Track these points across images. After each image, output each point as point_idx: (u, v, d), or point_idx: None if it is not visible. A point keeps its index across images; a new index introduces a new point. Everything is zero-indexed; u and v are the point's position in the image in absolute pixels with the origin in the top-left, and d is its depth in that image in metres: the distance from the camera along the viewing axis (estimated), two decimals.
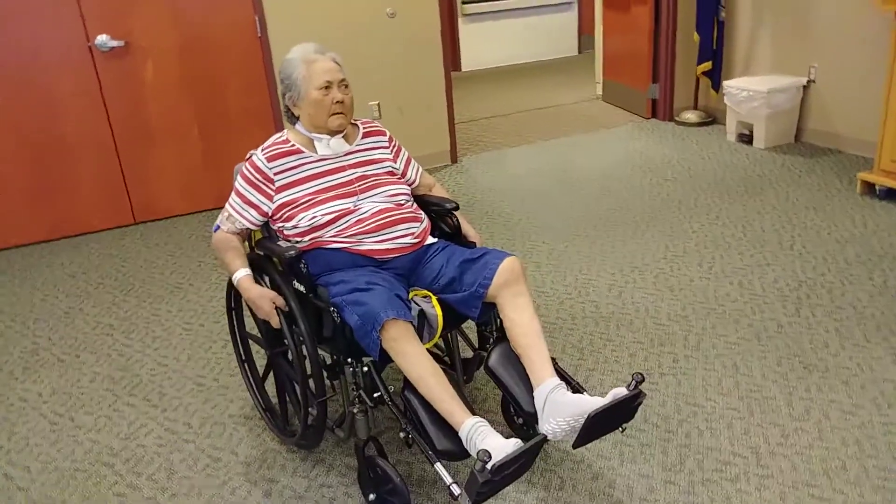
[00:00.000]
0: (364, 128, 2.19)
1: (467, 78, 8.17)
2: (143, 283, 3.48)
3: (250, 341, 2.37)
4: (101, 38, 3.88)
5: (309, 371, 1.88)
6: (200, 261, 3.68)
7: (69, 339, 3.00)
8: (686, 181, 4.21)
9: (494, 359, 1.86)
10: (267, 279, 2.06)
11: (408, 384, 1.75)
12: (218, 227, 2.07)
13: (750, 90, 4.52)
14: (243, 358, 2.39)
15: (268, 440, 2.27)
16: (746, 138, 4.79)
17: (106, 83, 3.98)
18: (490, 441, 1.59)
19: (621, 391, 1.62)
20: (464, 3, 8.30)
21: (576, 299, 2.97)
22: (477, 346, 2.21)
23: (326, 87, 2.02)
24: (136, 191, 4.23)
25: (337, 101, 2.02)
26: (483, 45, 8.61)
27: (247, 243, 2.17)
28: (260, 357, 2.50)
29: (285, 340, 1.97)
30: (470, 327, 2.41)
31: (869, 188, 3.74)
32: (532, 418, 1.75)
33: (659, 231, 3.55)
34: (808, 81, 4.53)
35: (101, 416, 2.46)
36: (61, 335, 3.04)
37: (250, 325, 2.34)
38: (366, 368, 1.85)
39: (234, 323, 2.33)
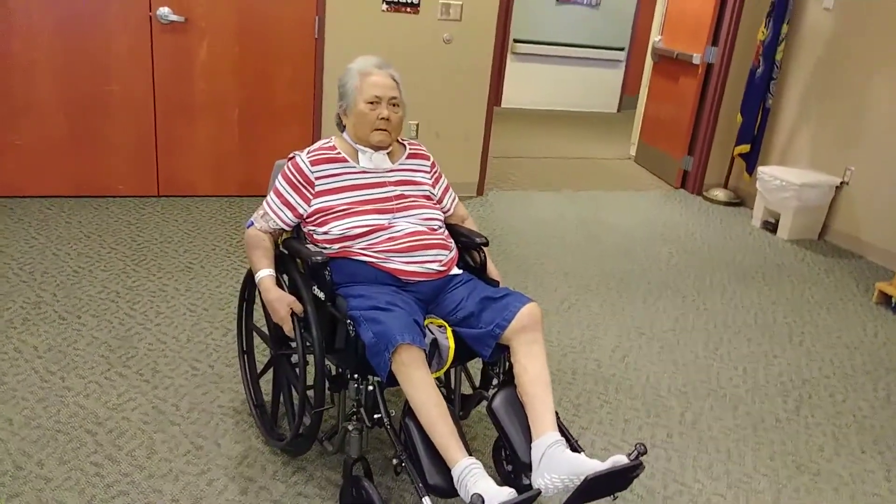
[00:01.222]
0: (410, 149, 2.21)
1: (505, 114, 8.22)
2: (155, 256, 3.48)
3: (255, 335, 2.36)
4: (163, 10, 3.93)
5: (312, 380, 1.87)
6: (216, 245, 3.69)
7: (73, 299, 3.00)
8: (705, 257, 4.21)
9: (498, 402, 1.84)
10: (286, 278, 2.07)
11: (409, 411, 1.74)
12: (251, 224, 2.07)
13: (783, 180, 4.54)
14: (244, 349, 2.38)
15: (252, 438, 2.25)
16: (771, 227, 4.80)
17: (158, 54, 4.03)
18: (483, 485, 1.58)
19: (622, 459, 1.60)
20: (515, 41, 8.39)
21: (579, 354, 2.96)
22: (478, 384, 2.20)
23: (374, 102, 2.03)
24: (166, 164, 4.25)
25: (382, 118, 2.03)
26: (526, 85, 8.69)
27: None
28: (260, 353, 2.50)
29: (292, 343, 1.97)
30: (473, 365, 2.40)
31: (885, 299, 3.73)
32: (525, 468, 1.74)
33: (671, 302, 3.55)
34: (842, 182, 4.55)
35: (91, 381, 2.45)
36: (66, 293, 3.04)
37: (257, 317, 2.35)
38: (371, 387, 1.83)
39: (244, 314, 2.33)
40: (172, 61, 4.07)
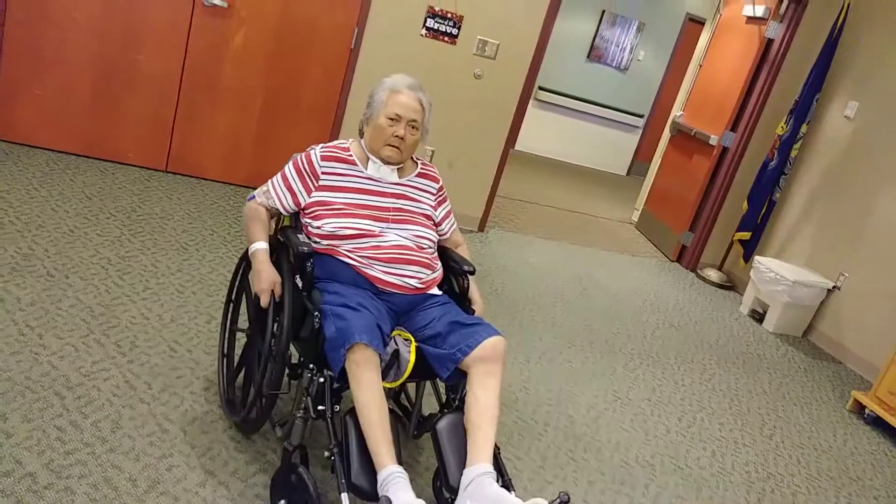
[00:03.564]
0: (421, 168, 2.29)
1: (515, 156, 8.30)
2: (153, 231, 3.47)
3: (244, 306, 2.39)
4: None
5: (271, 369, 1.95)
6: (214, 230, 3.68)
7: (64, 258, 2.97)
8: (690, 334, 4.24)
9: (443, 424, 1.91)
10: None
11: (352, 410, 1.81)
12: (253, 198, 2.17)
13: (777, 274, 4.60)
14: (231, 299, 2.38)
15: (219, 430, 2.22)
16: (758, 316, 4.84)
17: (195, 33, 4.05)
18: (401, 494, 1.65)
19: (542, 503, 1.63)
20: (539, 88, 8.51)
21: (554, 407, 2.96)
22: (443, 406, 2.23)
23: (394, 119, 2.12)
24: (179, 141, 4.25)
25: (397, 135, 2.11)
26: (542, 132, 8.79)
27: (273, 224, 2.28)
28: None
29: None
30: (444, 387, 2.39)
31: (859, 408, 3.76)
32: (452, 492, 1.79)
33: (650, 372, 3.56)
34: (834, 286, 4.61)
35: (68, 343, 2.42)
36: (59, 250, 3.01)
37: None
38: (322, 380, 1.89)
39: (239, 276, 2.34)
40: (207, 43, 4.09)
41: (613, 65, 8.80)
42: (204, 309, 2.91)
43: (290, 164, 2.17)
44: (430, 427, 2.23)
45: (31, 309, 2.55)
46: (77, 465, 1.92)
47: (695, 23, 8.70)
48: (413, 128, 2.13)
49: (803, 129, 4.90)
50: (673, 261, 5.68)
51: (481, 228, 5.01)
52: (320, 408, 1.88)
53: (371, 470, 1.73)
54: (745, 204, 5.18)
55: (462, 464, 1.81)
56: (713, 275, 5.42)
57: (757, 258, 4.87)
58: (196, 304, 2.92)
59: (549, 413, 2.90)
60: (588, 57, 8.69)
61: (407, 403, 2.45)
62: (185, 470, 2.03)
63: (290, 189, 2.13)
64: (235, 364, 2.34)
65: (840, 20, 4.71)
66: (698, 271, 5.52)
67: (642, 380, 3.45)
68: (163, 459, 2.04)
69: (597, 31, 8.56)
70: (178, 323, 2.75)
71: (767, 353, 4.30)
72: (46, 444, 1.96)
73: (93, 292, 2.78)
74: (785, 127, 4.94)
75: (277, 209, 2.15)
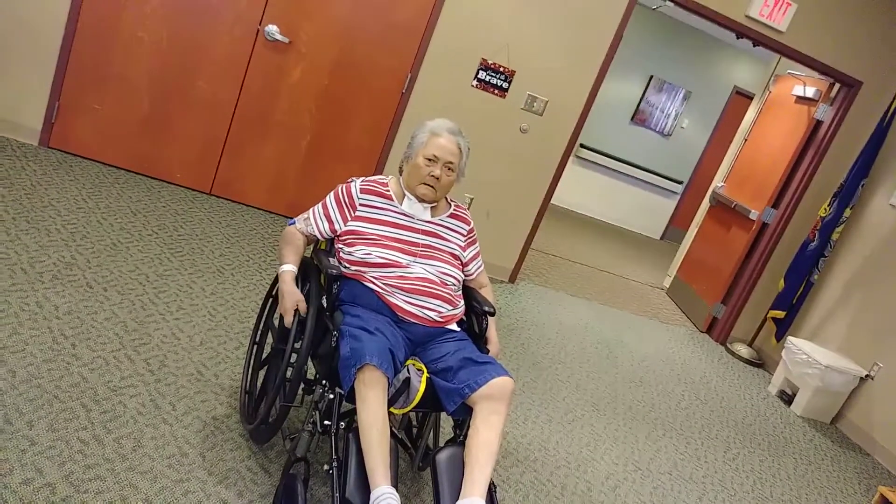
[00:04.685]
0: (454, 209, 2.38)
1: (549, 210, 8.32)
2: (192, 251, 3.52)
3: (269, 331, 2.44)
4: (271, 28, 4.08)
5: (289, 375, 2.01)
6: (251, 257, 3.72)
7: (104, 270, 3.02)
8: (716, 409, 4.15)
9: (443, 455, 1.94)
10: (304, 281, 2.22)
11: (356, 429, 1.86)
12: (293, 223, 2.31)
13: (810, 357, 4.50)
14: (256, 340, 2.45)
15: (238, 459, 2.22)
16: (787, 398, 4.73)
17: (254, 65, 4.16)
18: None
19: None
20: (581, 145, 8.56)
21: (572, 471, 2.90)
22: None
23: (432, 160, 2.22)
24: (226, 166, 4.34)
25: (433, 175, 2.21)
26: (578, 188, 8.82)
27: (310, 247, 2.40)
28: (269, 347, 2.50)
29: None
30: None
31: None
32: None
33: (673, 444, 3.48)
34: (867, 376, 4.50)
35: (100, 356, 2.45)
36: (100, 262, 3.07)
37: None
38: (332, 396, 1.95)
39: (266, 308, 2.42)
40: (265, 75, 4.20)
41: (656, 129, 8.83)
42: (234, 335, 2.93)
43: (332, 193, 2.29)
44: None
45: (68, 318, 2.59)
46: (96, 480, 1.93)
47: (741, 96, 8.73)
48: (449, 169, 2.24)
49: (847, 212, 4.85)
50: (702, 331, 5.60)
51: (512, 280, 5.00)
52: (326, 423, 1.95)
53: (366, 488, 1.78)
54: (782, 282, 5.11)
55: (456, 495, 1.84)
56: (743, 350, 5.33)
57: (790, 338, 4.78)
58: (227, 329, 2.94)
59: (566, 476, 2.84)
60: (632, 119, 8.74)
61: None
62: (201, 496, 2.02)
63: (328, 217, 2.26)
64: (262, 360, 2.39)
65: (892, 108, 4.69)
66: (728, 345, 5.42)
67: (664, 452, 3.37)
68: (180, 483, 2.03)
69: (643, 95, 8.62)
70: (208, 346, 2.77)
71: (794, 438, 4.19)
72: (68, 455, 1.97)
73: (128, 307, 2.82)
74: (828, 209, 4.90)
75: (315, 235, 2.28)
